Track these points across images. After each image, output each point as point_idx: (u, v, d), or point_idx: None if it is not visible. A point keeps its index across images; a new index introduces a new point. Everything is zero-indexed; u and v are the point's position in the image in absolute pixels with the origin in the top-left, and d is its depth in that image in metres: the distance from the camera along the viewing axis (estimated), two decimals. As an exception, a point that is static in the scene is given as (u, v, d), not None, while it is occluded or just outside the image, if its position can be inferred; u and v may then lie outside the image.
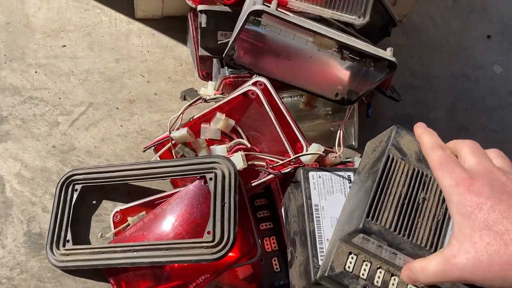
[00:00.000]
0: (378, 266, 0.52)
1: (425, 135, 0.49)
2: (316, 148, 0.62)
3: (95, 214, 0.69)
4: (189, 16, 0.76)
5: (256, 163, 0.65)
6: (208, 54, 0.70)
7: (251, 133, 0.67)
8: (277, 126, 0.64)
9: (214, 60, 0.75)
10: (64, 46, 0.81)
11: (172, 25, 0.85)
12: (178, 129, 0.66)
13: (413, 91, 0.89)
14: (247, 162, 0.64)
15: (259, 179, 0.66)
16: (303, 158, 0.63)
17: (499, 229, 0.39)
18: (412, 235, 0.50)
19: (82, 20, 0.83)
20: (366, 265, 0.52)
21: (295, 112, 0.74)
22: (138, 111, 0.77)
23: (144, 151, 0.69)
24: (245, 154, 0.64)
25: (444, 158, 0.45)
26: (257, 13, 0.57)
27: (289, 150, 0.64)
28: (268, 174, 0.65)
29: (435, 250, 0.49)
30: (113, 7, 0.85)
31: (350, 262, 0.52)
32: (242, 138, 0.66)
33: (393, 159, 0.53)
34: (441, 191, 0.52)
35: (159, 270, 0.62)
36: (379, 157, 0.54)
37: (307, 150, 0.64)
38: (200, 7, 0.67)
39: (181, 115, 0.66)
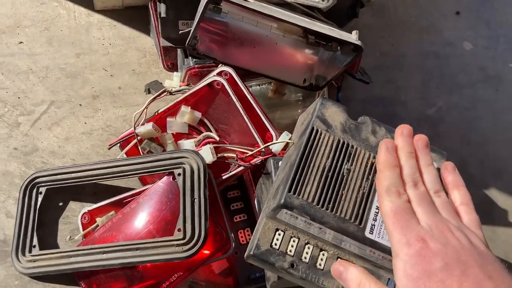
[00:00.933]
0: (307, 241, 0.51)
1: (386, 171, 0.46)
2: (285, 137, 0.61)
3: (62, 217, 0.67)
4: (150, 6, 0.73)
5: (226, 155, 0.63)
6: (170, 44, 0.67)
7: (219, 125, 0.65)
8: (245, 117, 0.62)
9: (179, 50, 0.72)
10: (21, 42, 0.77)
11: (133, 16, 0.81)
12: (143, 124, 0.64)
13: (384, 72, 0.88)
14: (217, 155, 0.62)
15: (230, 172, 0.64)
16: (273, 148, 0.62)
17: None
18: (336, 208, 0.50)
19: (38, 15, 0.79)
20: (294, 241, 0.51)
21: (264, 100, 0.72)
22: (102, 107, 0.75)
23: (109, 149, 0.66)
24: (214, 147, 0.62)
25: (399, 207, 0.43)
26: (215, 1, 0.55)
27: (258, 141, 0.63)
28: (239, 166, 0.63)
29: (360, 223, 0.50)
30: (71, -1, 0.82)
31: (277, 239, 0.51)
32: (211, 131, 0.64)
33: (317, 131, 0.53)
34: (367, 162, 0.53)
35: (131, 270, 0.61)
36: (304, 130, 0.54)
37: (277, 139, 0.62)
38: (159, -4, 0.64)
39: (145, 110, 0.64)
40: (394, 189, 0.45)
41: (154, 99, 0.64)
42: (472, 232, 0.43)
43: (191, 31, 0.60)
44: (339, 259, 0.52)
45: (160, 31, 0.66)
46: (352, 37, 0.59)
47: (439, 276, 0.38)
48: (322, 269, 0.52)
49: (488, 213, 0.80)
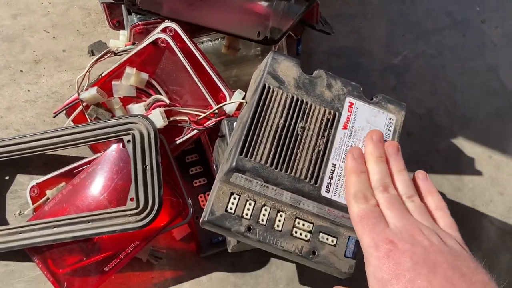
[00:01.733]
0: (263, 204, 0.50)
1: (352, 177, 0.46)
2: (238, 96, 0.58)
3: (9, 191, 0.63)
4: (88, -42, 0.67)
5: (178, 119, 0.60)
6: (110, 0, 0.62)
7: (170, 86, 0.61)
8: (194, 76, 0.58)
9: (123, 6, 0.67)
10: (-51, 4, 0.70)
11: (74, -30, 0.75)
12: (87, 89, 0.60)
13: (347, 21, 0.84)
14: (168, 119, 0.59)
15: (183, 136, 0.61)
16: (226, 109, 0.58)
17: None
18: (291, 168, 0.48)
19: (-34, -28, 0.72)
20: (250, 204, 0.50)
21: (218, 57, 0.68)
22: (46, 72, 0.70)
23: (54, 117, 0.62)
24: (165, 110, 0.59)
25: (366, 212, 0.42)
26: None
27: (210, 101, 0.59)
28: (192, 130, 0.60)
29: (315, 182, 0.48)
30: (3, -47, 0.74)
31: (232, 203, 0.50)
32: (160, 93, 0.61)
33: (269, 88, 0.50)
34: (322, 119, 0.51)
35: (86, 243, 0.58)
36: (256, 88, 0.51)
37: (230, 99, 0.59)
38: None
39: (88, 73, 0.59)
40: (360, 194, 0.44)
41: (96, 61, 0.60)
42: (447, 234, 0.42)
43: (129, -16, 0.55)
44: (297, 219, 0.51)
45: (97, -15, 0.61)
46: (303, -16, 0.55)
47: (407, 276, 0.37)
48: (280, 231, 0.50)
49: (455, 162, 0.79)
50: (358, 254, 0.51)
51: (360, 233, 0.42)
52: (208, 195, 0.65)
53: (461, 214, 0.74)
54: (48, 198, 0.61)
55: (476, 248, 0.72)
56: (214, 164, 0.63)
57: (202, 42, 0.66)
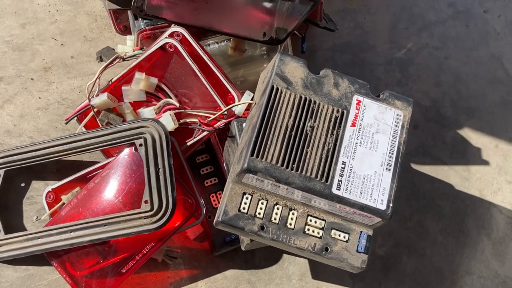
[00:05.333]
0: (275, 202, 0.51)
1: None
2: (247, 97, 0.59)
3: (26, 197, 0.64)
4: (93, -35, 0.68)
5: (188, 121, 0.61)
6: (117, 6, 0.63)
7: (179, 90, 0.62)
8: (202, 79, 0.59)
9: (129, 12, 0.68)
10: (-41, 16, 0.72)
11: (79, -23, 0.76)
12: (97, 95, 0.61)
13: (350, 17, 0.85)
14: (178, 121, 0.60)
15: (194, 138, 0.62)
16: (235, 110, 0.59)
17: None
18: (301, 167, 0.49)
19: (-26, -17, 0.73)
20: (262, 203, 0.51)
21: (225, 59, 0.69)
22: (56, 79, 0.71)
23: (66, 123, 0.63)
24: (175, 113, 0.60)
25: None
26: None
27: (219, 103, 0.60)
28: (203, 131, 0.61)
29: (326, 180, 0.49)
30: (9, -37, 0.75)
31: (245, 203, 0.51)
32: (170, 97, 0.62)
33: (277, 89, 0.51)
34: (330, 117, 0.51)
35: (102, 246, 0.60)
36: (264, 89, 0.52)
37: (239, 100, 0.60)
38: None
39: (98, 80, 0.60)
40: None
41: (106, 67, 0.61)
42: None
43: (136, -9, 0.56)
44: (309, 217, 0.52)
45: (104, -8, 0.62)
46: (307, -16, 0.55)
47: None
48: (293, 228, 0.51)
49: (462, 153, 0.80)
50: (370, 249, 0.52)
51: None
52: (219, 194, 0.66)
53: (470, 204, 0.75)
54: (63, 203, 0.62)
55: (486, 237, 0.73)
56: (224, 164, 0.65)
57: (209, 45, 0.67)
